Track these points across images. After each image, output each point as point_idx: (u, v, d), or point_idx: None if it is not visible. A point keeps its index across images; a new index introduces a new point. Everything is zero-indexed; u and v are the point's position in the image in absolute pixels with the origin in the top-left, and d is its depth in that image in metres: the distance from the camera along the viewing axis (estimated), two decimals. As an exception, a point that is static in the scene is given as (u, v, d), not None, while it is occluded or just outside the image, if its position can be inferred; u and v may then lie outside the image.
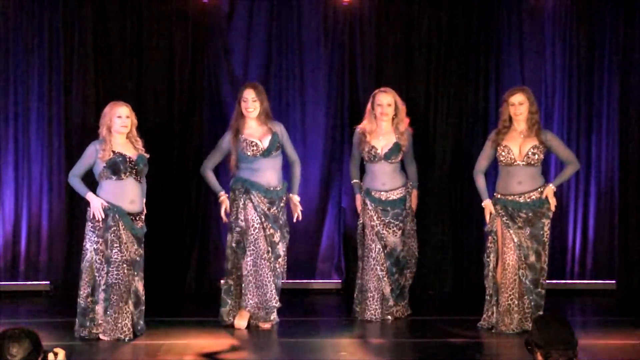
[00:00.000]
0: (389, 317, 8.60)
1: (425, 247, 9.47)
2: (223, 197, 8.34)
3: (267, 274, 8.19)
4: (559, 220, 9.85)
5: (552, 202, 8.23)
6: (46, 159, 9.81)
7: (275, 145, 8.28)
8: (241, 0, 9.94)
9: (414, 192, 8.74)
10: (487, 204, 8.29)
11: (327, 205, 10.02)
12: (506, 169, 8.22)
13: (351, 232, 9.60)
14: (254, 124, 8.30)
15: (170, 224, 9.87)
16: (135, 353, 7.54)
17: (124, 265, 7.80)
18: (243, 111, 8.29)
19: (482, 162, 8.43)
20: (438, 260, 9.94)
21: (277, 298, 8.24)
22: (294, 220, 8.50)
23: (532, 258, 8.16)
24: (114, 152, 7.84)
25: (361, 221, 8.69)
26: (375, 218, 8.57)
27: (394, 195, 8.61)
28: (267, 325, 8.31)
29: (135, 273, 7.87)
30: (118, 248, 7.79)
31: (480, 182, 8.39)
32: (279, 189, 8.31)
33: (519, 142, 8.20)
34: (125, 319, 7.81)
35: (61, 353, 4.47)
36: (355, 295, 8.74)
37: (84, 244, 7.88)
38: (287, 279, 8.57)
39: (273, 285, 8.21)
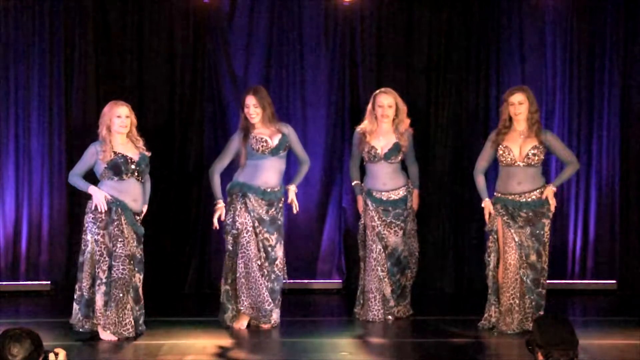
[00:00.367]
0: (390, 317, 8.60)
1: (426, 247, 9.47)
2: (220, 205, 8.34)
3: (258, 277, 8.19)
4: (559, 220, 9.85)
5: (552, 203, 8.23)
6: (47, 158, 9.81)
7: (283, 145, 8.29)
8: (242, 0, 9.94)
9: (415, 192, 8.74)
10: (486, 204, 8.29)
11: (328, 206, 10.02)
12: (506, 170, 8.22)
13: (352, 232, 9.60)
14: (261, 127, 8.31)
15: (171, 224, 9.88)
16: (136, 353, 7.54)
17: (127, 260, 7.80)
18: (247, 116, 8.31)
19: (482, 163, 8.43)
20: (439, 260, 9.94)
21: (270, 301, 8.23)
22: (294, 211, 8.49)
23: (533, 257, 8.16)
24: (115, 152, 7.83)
25: (362, 222, 8.69)
26: (376, 218, 8.57)
27: (395, 196, 8.61)
28: (267, 326, 8.31)
29: (137, 269, 7.87)
30: (122, 242, 7.78)
31: (480, 182, 8.39)
32: (277, 190, 8.31)
33: (519, 142, 8.19)
34: (128, 315, 7.81)
35: (62, 353, 4.47)
36: (357, 296, 8.74)
37: (84, 235, 7.85)
38: (287, 279, 8.57)
39: (265, 288, 8.20)
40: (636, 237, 9.94)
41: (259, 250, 8.21)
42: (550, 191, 8.22)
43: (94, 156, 7.88)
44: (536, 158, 8.17)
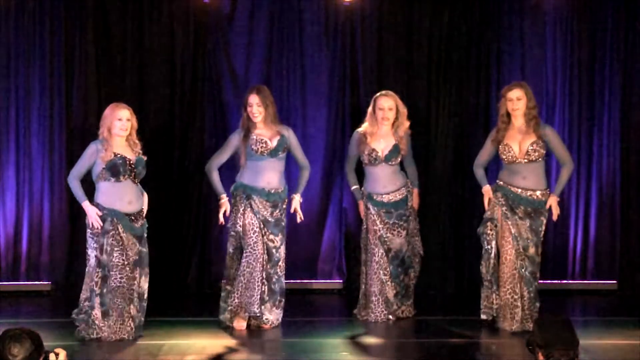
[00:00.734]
0: (391, 317, 8.59)
1: (427, 246, 9.44)
2: (224, 200, 8.34)
3: (257, 279, 8.19)
4: (560, 220, 9.83)
5: (556, 212, 8.25)
6: (47, 159, 9.81)
7: (282, 147, 8.29)
8: (242, 0, 9.94)
9: (415, 191, 8.74)
10: (486, 189, 8.30)
11: (329, 206, 10.02)
12: (509, 167, 8.24)
13: (352, 232, 9.60)
14: (262, 127, 8.31)
15: (171, 224, 9.87)
16: (136, 353, 7.54)
17: (127, 268, 7.80)
18: (249, 115, 8.30)
19: (482, 158, 8.45)
20: (439, 260, 9.94)
21: (259, 304, 8.21)
22: (298, 220, 8.50)
23: (532, 250, 8.17)
24: (114, 153, 7.84)
25: (365, 226, 8.68)
26: (378, 222, 8.57)
27: (396, 197, 8.61)
28: (267, 326, 8.31)
29: (141, 272, 7.87)
30: (119, 251, 7.78)
31: (480, 173, 8.42)
32: (280, 191, 8.31)
33: (519, 139, 8.20)
34: (128, 322, 7.82)
35: (62, 353, 4.47)
36: (360, 297, 8.74)
37: (87, 249, 7.89)
38: (288, 279, 8.57)
39: (258, 291, 8.20)
40: (636, 237, 9.93)
41: (263, 252, 8.21)
42: (554, 201, 8.24)
43: (94, 155, 7.87)
44: (536, 153, 8.18)
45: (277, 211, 8.28)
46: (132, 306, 7.83)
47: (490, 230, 8.26)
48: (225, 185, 8.47)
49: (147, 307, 8.03)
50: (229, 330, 8.26)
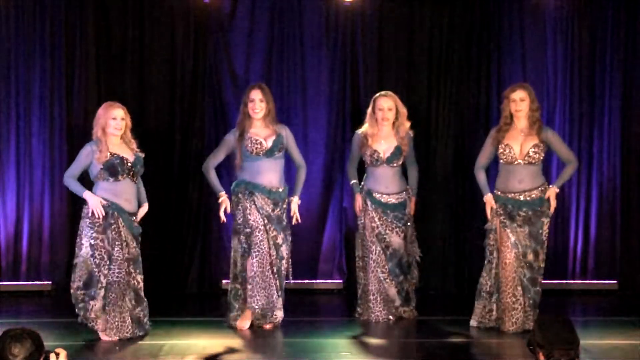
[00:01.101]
0: (391, 317, 8.59)
1: (427, 247, 9.46)
2: (223, 197, 8.32)
3: (270, 276, 8.19)
4: (560, 220, 9.86)
5: (553, 204, 8.24)
6: (48, 159, 9.81)
7: (278, 146, 8.27)
8: (242, 0, 9.94)
9: (412, 200, 8.73)
10: (488, 198, 8.29)
11: (329, 206, 10.02)
12: (507, 168, 8.23)
13: (353, 232, 9.60)
14: (260, 124, 8.29)
15: (172, 223, 9.88)
16: (136, 353, 7.53)
17: (125, 263, 7.81)
18: (249, 112, 8.28)
19: (483, 160, 8.44)
20: (440, 261, 9.94)
21: (279, 297, 8.24)
22: (293, 222, 8.48)
23: (530, 257, 8.17)
24: (111, 153, 7.83)
25: (362, 222, 8.68)
26: (376, 219, 8.56)
27: (395, 200, 8.60)
28: (269, 326, 8.31)
29: (137, 270, 7.88)
30: (120, 246, 7.79)
31: (481, 178, 8.39)
32: (280, 190, 8.30)
33: (520, 140, 8.20)
34: (126, 317, 7.81)
35: (63, 353, 4.47)
36: (359, 295, 8.74)
37: (79, 239, 7.84)
38: (291, 280, 8.55)
39: (275, 287, 8.21)
40: (637, 237, 9.94)
41: (269, 248, 8.20)
42: (553, 192, 8.23)
43: (89, 156, 7.86)
44: (537, 156, 8.18)
45: (278, 209, 8.27)
46: (127, 301, 7.82)
47: (492, 241, 8.26)
48: (224, 185, 8.47)
49: (148, 307, 8.03)
50: (229, 330, 8.26)
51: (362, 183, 8.70)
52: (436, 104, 9.99)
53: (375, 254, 8.54)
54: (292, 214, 8.40)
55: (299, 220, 8.49)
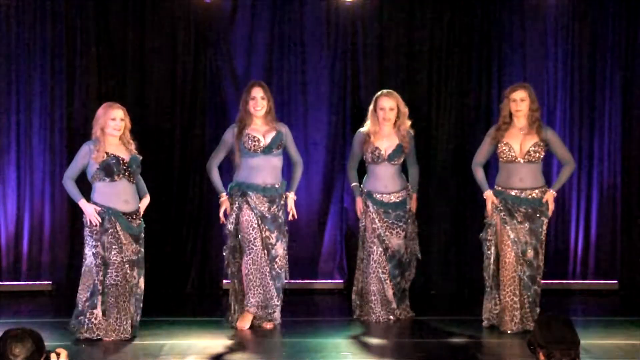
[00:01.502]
0: (391, 317, 8.60)
1: (428, 246, 9.47)
2: (224, 198, 8.33)
3: (266, 273, 8.19)
4: (561, 220, 9.86)
5: (551, 207, 8.25)
6: (48, 159, 9.82)
7: (276, 144, 8.27)
8: (243, 1, 9.94)
9: (414, 196, 8.73)
10: (488, 194, 8.28)
11: (329, 206, 10.02)
12: (507, 166, 8.23)
13: (353, 232, 9.60)
14: (261, 122, 8.29)
15: (172, 223, 9.88)
16: (137, 353, 7.54)
17: (125, 266, 7.80)
18: (250, 109, 8.27)
19: (480, 157, 8.44)
20: (440, 260, 9.94)
21: (277, 296, 8.24)
22: (289, 218, 8.46)
23: (530, 254, 8.17)
24: (107, 153, 7.82)
25: (363, 223, 8.67)
26: (377, 220, 8.56)
27: (396, 198, 8.60)
28: (269, 325, 8.31)
29: (137, 271, 7.88)
30: (117, 249, 7.78)
31: (479, 174, 8.39)
32: (277, 186, 8.29)
33: (520, 139, 8.20)
34: (126, 320, 7.81)
35: (63, 353, 4.47)
36: (353, 298, 8.74)
37: (84, 248, 7.87)
38: (289, 279, 8.56)
39: (272, 285, 8.21)
40: (638, 237, 9.93)
41: (263, 248, 8.20)
42: (551, 196, 8.24)
43: (87, 155, 7.85)
44: (537, 155, 8.18)
45: (275, 207, 8.25)
46: (129, 304, 7.82)
47: (491, 236, 8.25)
48: (225, 184, 8.47)
49: (148, 307, 8.04)
50: (229, 330, 8.25)
51: (362, 185, 8.70)
52: (437, 104, 9.99)
53: (376, 254, 8.54)
54: (288, 209, 8.40)
55: (296, 216, 8.47)
